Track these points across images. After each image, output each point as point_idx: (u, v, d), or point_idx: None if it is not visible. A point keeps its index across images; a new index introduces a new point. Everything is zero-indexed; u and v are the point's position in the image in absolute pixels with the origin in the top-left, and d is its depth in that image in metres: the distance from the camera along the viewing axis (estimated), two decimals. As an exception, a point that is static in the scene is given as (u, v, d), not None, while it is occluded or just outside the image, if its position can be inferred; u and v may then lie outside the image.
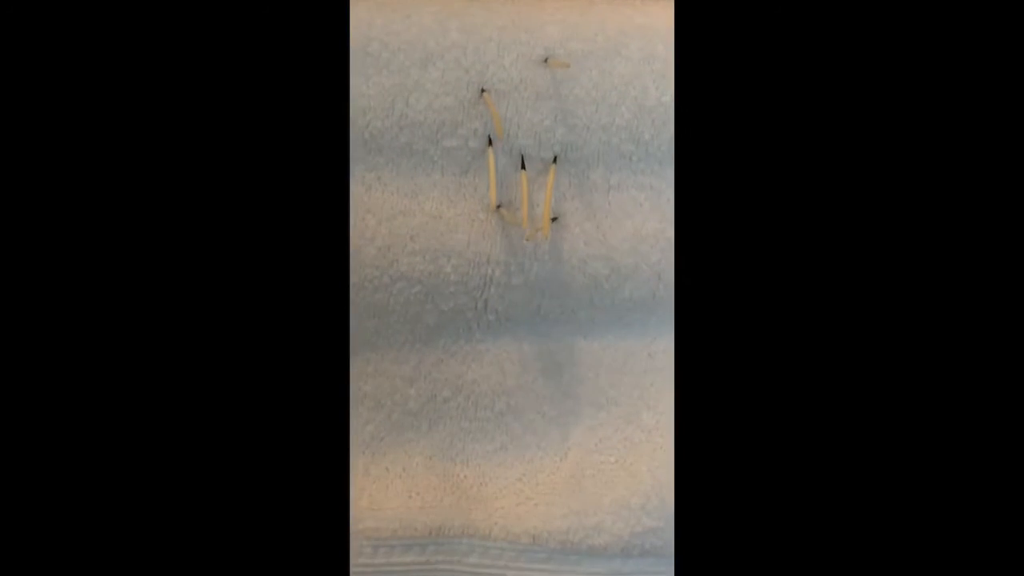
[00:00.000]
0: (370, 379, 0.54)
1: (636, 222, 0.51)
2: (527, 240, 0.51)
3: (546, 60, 0.49)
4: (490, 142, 0.50)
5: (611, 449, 0.54)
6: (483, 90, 0.49)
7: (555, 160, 0.50)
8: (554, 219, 0.51)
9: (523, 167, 0.50)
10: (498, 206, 0.51)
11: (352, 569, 0.53)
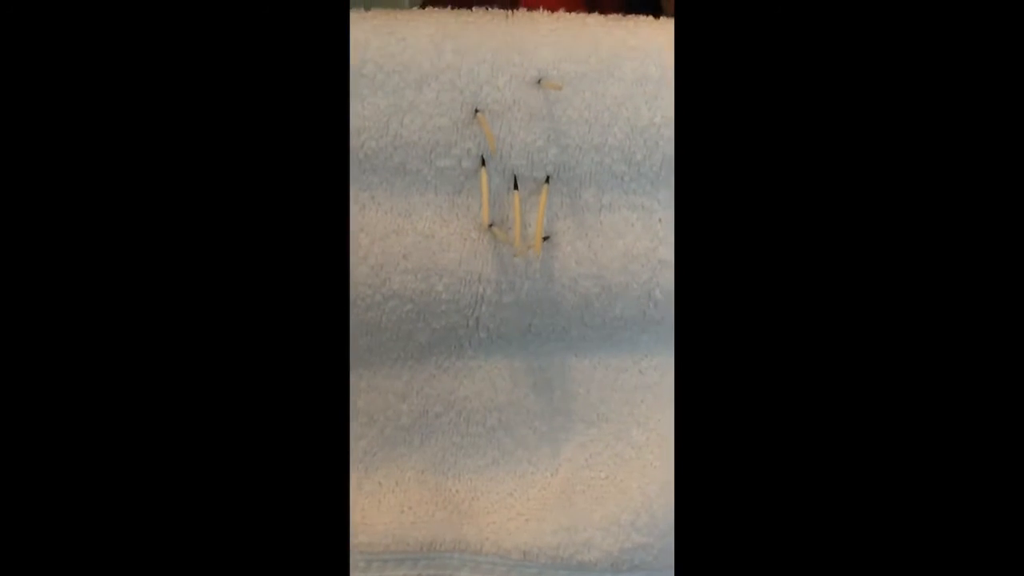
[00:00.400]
0: (363, 395, 0.54)
1: (627, 241, 0.52)
2: (517, 255, 0.51)
3: (539, 81, 0.50)
4: (483, 162, 0.50)
5: (601, 465, 0.55)
6: (477, 111, 0.50)
7: (547, 180, 0.51)
8: (546, 238, 0.51)
9: (516, 187, 0.51)
10: (490, 225, 0.51)
11: (344, 583, 0.53)
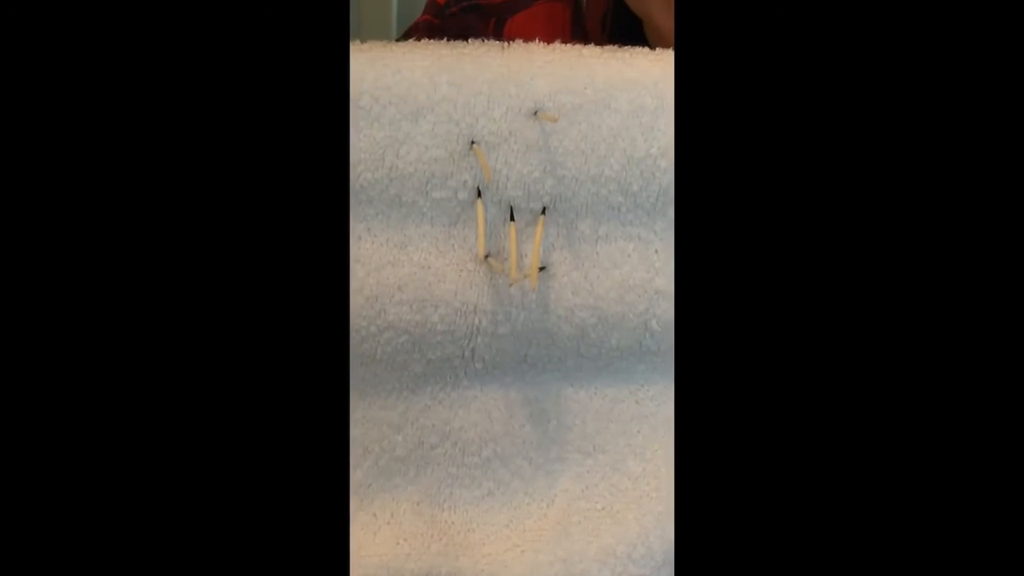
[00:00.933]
0: (358, 426, 0.54)
1: (624, 272, 0.52)
2: (512, 284, 0.51)
3: (535, 113, 0.50)
4: (479, 193, 0.50)
5: (598, 496, 0.55)
6: (473, 142, 0.49)
7: (544, 211, 0.51)
8: (542, 269, 0.51)
9: (512, 218, 0.50)
10: (486, 256, 0.51)
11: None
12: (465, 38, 0.51)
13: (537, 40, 0.51)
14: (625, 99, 0.50)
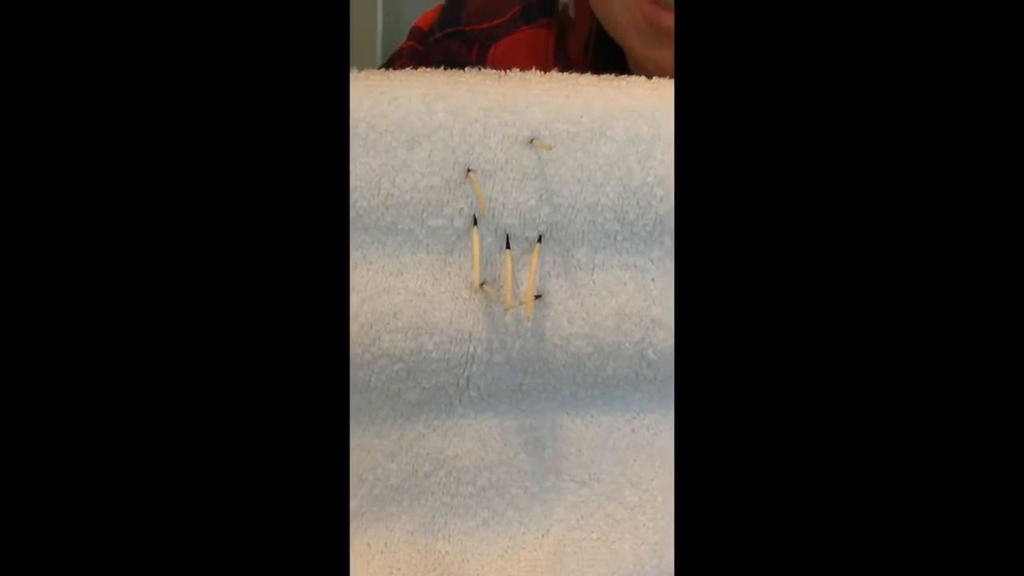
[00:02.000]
0: (352, 454, 0.53)
1: (620, 301, 0.52)
2: (507, 312, 0.51)
3: (531, 141, 0.50)
4: (475, 221, 0.50)
5: (593, 526, 0.54)
6: (469, 170, 0.49)
7: (540, 239, 0.51)
8: (538, 297, 0.51)
9: (508, 246, 0.50)
10: (482, 284, 0.51)
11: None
12: (448, 64, 0.52)
13: (534, 69, 0.51)
14: (621, 127, 0.50)
